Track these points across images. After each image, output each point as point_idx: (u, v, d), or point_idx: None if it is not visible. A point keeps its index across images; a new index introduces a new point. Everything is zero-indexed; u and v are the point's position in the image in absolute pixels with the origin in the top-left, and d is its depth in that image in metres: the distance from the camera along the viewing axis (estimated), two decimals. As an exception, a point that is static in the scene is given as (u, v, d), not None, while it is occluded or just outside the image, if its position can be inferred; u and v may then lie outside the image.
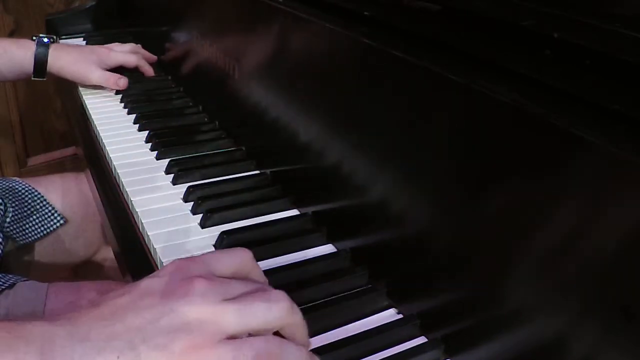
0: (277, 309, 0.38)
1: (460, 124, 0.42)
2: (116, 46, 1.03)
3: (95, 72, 0.96)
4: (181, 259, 0.41)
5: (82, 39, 1.23)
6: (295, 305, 0.39)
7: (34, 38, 0.96)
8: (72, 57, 0.97)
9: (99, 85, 0.97)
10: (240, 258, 0.42)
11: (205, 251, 0.55)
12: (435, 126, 0.44)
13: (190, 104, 0.90)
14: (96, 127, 0.82)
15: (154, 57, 1.07)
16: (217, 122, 0.82)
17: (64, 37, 1.24)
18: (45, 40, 0.95)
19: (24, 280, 0.65)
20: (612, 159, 0.31)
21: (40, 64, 0.94)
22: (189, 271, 0.39)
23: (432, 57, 0.44)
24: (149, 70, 1.03)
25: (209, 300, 0.37)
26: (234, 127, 0.78)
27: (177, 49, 0.98)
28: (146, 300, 0.37)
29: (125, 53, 1.01)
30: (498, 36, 0.43)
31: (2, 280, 0.63)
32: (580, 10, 0.39)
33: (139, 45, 1.07)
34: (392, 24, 0.50)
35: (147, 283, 0.39)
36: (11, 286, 0.63)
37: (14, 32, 1.41)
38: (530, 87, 0.37)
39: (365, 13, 0.53)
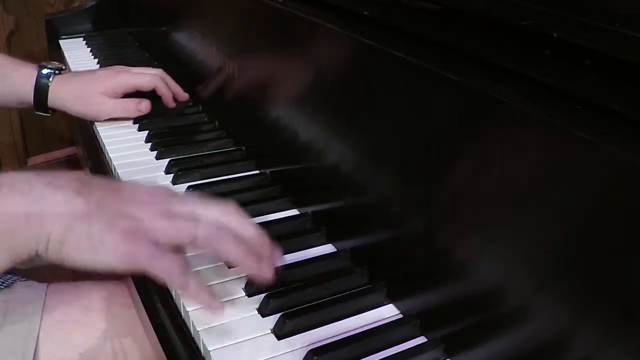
0: (202, 231, 0.43)
1: (460, 124, 0.42)
2: (136, 69, 0.85)
3: (107, 104, 0.81)
4: (173, 193, 0.48)
5: (82, 38, 1.23)
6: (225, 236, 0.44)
7: (41, 66, 0.82)
8: (75, 93, 0.81)
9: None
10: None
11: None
12: (435, 126, 0.44)
13: (190, 104, 0.90)
14: (96, 127, 0.81)
15: (183, 94, 0.86)
16: (217, 122, 0.82)
17: (63, 37, 1.24)
18: (45, 72, 0.81)
19: (23, 280, 0.65)
20: (612, 159, 0.31)
21: (40, 98, 0.81)
22: (167, 201, 0.45)
23: (432, 57, 0.44)
24: (167, 97, 0.84)
25: (154, 211, 0.44)
26: (234, 127, 0.78)
27: (177, 48, 0.98)
28: (121, 191, 0.45)
29: (140, 74, 0.83)
30: (498, 36, 0.43)
31: (1, 279, 0.63)
32: (580, 10, 0.39)
33: (163, 72, 0.86)
34: (392, 24, 0.50)
35: (133, 185, 0.48)
36: (10, 286, 0.63)
37: (14, 32, 1.40)
38: (530, 87, 0.37)
39: (365, 13, 0.53)
